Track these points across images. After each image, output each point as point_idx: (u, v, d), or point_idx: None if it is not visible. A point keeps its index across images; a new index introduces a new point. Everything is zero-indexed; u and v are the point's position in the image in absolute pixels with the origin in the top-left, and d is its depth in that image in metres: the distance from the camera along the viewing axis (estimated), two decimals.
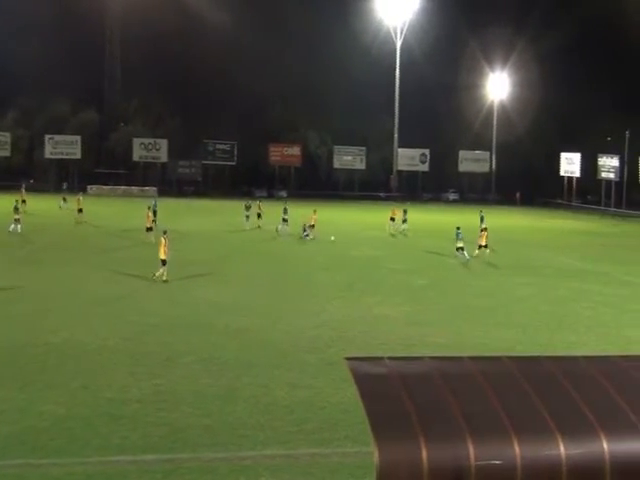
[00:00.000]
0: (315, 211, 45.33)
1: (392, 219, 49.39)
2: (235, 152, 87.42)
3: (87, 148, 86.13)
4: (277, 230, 45.61)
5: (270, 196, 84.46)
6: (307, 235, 42.95)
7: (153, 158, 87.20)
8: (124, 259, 34.03)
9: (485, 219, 46.64)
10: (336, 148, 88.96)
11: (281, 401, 15.37)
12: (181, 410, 14.66)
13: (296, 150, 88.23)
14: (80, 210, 49.23)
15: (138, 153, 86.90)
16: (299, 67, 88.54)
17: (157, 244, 29.96)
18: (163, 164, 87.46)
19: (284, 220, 46.50)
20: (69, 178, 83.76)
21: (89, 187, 79.48)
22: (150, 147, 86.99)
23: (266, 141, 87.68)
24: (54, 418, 14.00)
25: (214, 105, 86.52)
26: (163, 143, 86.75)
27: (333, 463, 12.57)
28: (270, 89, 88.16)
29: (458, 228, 36.97)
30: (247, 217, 48.17)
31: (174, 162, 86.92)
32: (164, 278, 27.99)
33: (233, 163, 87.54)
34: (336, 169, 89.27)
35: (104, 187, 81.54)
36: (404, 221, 48.74)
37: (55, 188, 77.87)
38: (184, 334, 20.56)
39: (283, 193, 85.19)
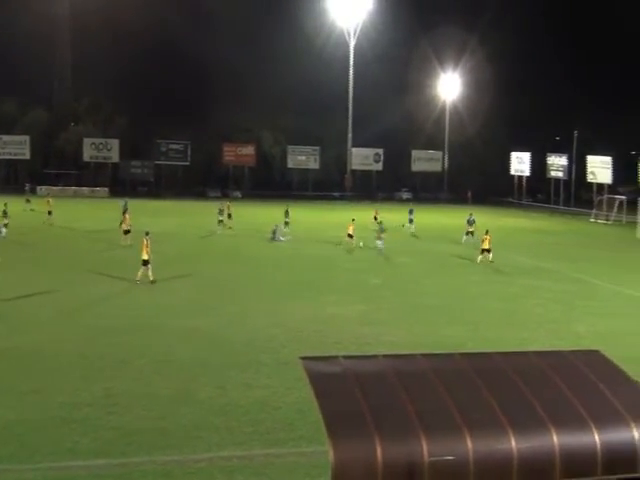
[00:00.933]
0: (353, 220, 41.67)
1: (375, 218, 50.12)
2: (188, 152, 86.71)
3: (36, 148, 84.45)
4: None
5: (224, 196, 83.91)
6: (277, 239, 42.44)
7: (104, 158, 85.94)
8: (101, 261, 33.43)
9: (414, 212, 50.20)
10: (290, 148, 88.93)
11: (236, 402, 15.31)
12: (134, 413, 14.49)
13: (250, 150, 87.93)
14: (50, 212, 48.11)
15: (89, 153, 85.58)
16: (253, 67, 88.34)
17: (132, 246, 29.45)
18: (115, 164, 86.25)
19: (286, 223, 46.05)
20: (19, 179, 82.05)
21: (38, 188, 77.90)
22: (101, 147, 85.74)
23: (220, 141, 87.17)
24: (4, 423, 13.70)
25: (167, 105, 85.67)
26: (114, 143, 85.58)
27: (289, 463, 12.56)
28: (223, 89, 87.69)
29: (471, 214, 41.58)
30: (220, 221, 46.23)
31: (126, 162, 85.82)
32: (151, 278, 28.00)
33: (186, 163, 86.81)
34: (290, 169, 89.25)
35: (53, 188, 79.91)
36: (411, 221, 49.40)
37: (2, 190, 76.04)
38: (138, 336, 20.32)
39: (237, 193, 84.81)
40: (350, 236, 40.00)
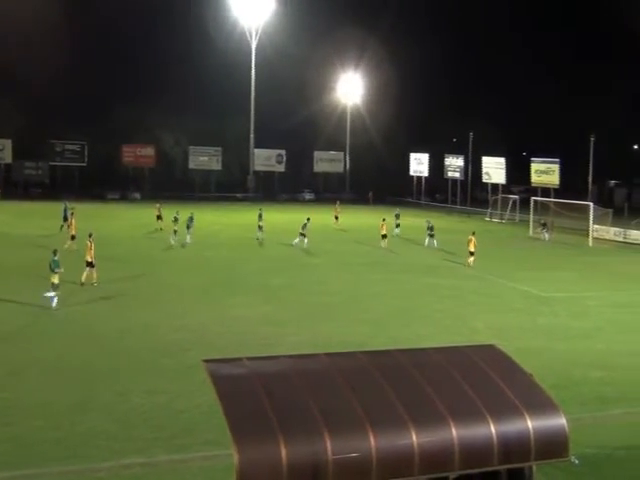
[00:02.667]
0: (384, 219, 43.95)
1: (336, 217, 54.30)
2: (86, 153, 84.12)
3: None
4: (257, 237, 44.14)
5: (123, 198, 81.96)
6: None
7: None
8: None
9: (400, 217, 50.56)
10: (191, 149, 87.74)
11: (138, 408, 14.98)
12: (29, 424, 13.94)
13: (150, 151, 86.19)
14: None
15: None
16: (152, 66, 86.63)
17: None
18: (7, 165, 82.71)
19: (259, 227, 44.61)
20: None
21: None
22: None
23: (119, 142, 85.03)
24: None
25: (63, 104, 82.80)
26: (7, 143, 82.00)
27: (193, 468, 12.39)
28: (122, 88, 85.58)
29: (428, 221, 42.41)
30: (175, 231, 42.22)
31: (19, 163, 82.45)
32: (94, 281, 27.67)
33: (83, 164, 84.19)
34: (192, 170, 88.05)
35: None
36: (397, 225, 48.99)
37: None
38: (31, 344, 19.57)
39: (137, 195, 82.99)
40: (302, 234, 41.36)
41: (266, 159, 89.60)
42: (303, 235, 41.56)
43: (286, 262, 36.55)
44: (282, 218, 57.76)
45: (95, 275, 28.00)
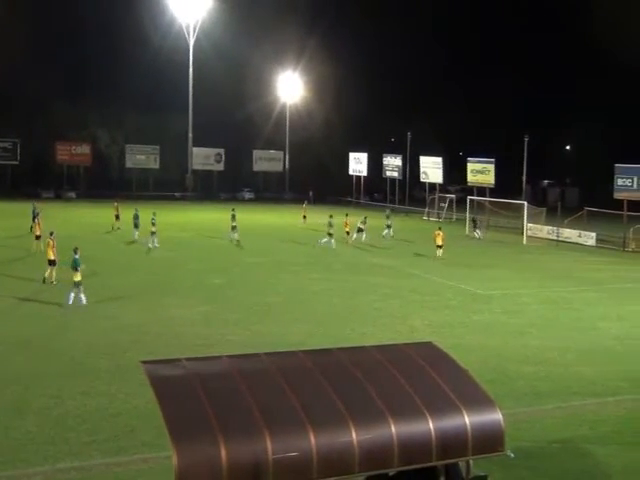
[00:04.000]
0: (347, 215, 46.95)
1: (304, 217, 56.07)
2: (18, 150, 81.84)
3: None
4: (230, 238, 42.95)
5: (57, 197, 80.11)
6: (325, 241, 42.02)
7: None
8: None
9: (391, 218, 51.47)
10: (128, 147, 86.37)
11: (73, 411, 14.68)
12: None
13: (85, 149, 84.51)
14: None
15: None
16: (88, 62, 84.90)
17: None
18: None
19: (233, 227, 43.49)
20: None
21: None
22: None
23: (53, 139, 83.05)
24: None
25: None
26: None
27: (131, 471, 12.21)
28: (56, 84, 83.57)
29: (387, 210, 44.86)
30: (152, 232, 40.25)
31: None
32: (53, 280, 27.69)
33: (16, 162, 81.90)
34: (129, 168, 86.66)
35: None
36: (388, 226, 48.31)
37: None
38: None
39: (72, 194, 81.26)
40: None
41: (205, 158, 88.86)
42: (330, 235, 42.38)
43: (224, 262, 36.30)
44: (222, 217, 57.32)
45: (54, 274, 27.86)
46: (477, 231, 52.46)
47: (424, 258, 39.71)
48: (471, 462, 9.22)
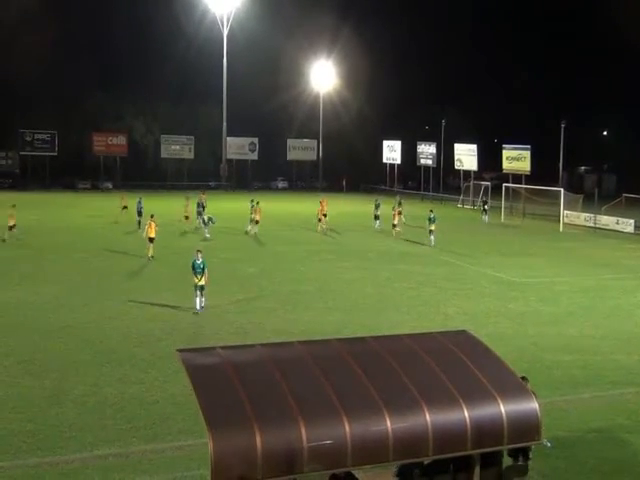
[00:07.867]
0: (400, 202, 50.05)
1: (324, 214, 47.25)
2: (56, 142, 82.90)
3: None
4: (246, 232, 42.53)
5: (94, 188, 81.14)
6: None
7: None
8: None
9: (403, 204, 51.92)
10: (163, 137, 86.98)
11: (111, 399, 14.89)
12: (2, 416, 13.81)
13: (121, 139, 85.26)
14: None
15: None
16: (124, 53, 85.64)
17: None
18: None
19: (251, 220, 42.96)
20: None
21: None
22: None
23: (90, 130, 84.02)
24: None
25: (33, 93, 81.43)
26: None
27: (167, 458, 12.34)
28: (92, 78, 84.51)
29: (431, 211, 41.33)
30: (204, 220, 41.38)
31: None
32: (152, 255, 31.99)
33: (54, 154, 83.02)
34: (164, 158, 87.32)
35: None
36: (399, 213, 44.51)
37: None
38: (1, 336, 19.34)
39: (108, 184, 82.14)
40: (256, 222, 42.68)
41: (239, 147, 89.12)
42: (377, 218, 46.14)
43: (256, 250, 36.44)
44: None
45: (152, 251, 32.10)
46: (485, 216, 53.49)
47: (457, 245, 39.41)
48: (505, 451, 9.16)
